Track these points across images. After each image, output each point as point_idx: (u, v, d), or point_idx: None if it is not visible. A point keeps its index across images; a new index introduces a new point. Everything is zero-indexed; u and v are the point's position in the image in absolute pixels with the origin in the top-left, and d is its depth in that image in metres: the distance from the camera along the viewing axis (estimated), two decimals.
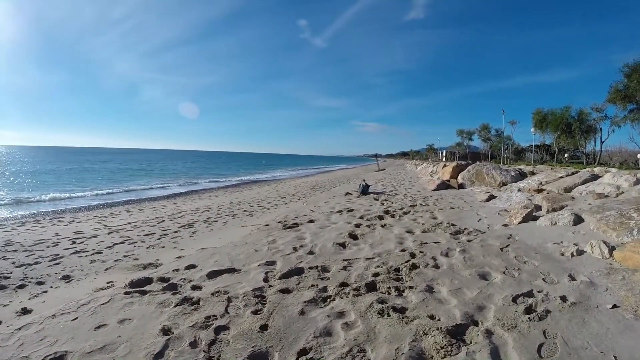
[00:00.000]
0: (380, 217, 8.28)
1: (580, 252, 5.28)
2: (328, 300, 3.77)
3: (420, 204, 10.27)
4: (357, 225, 7.40)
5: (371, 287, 4.05)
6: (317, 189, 20.32)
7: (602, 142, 33.08)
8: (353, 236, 6.54)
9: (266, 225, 8.14)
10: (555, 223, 7.11)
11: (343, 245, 5.98)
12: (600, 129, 32.11)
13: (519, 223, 7.44)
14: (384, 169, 43.10)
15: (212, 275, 4.56)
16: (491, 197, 11.03)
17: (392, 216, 8.43)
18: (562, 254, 5.27)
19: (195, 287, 4.12)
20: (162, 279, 4.42)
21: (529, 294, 3.84)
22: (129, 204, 15.89)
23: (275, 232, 7.19)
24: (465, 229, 6.84)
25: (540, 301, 3.67)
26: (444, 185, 14.82)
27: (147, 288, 4.11)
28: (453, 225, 7.16)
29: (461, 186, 14.96)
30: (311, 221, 8.28)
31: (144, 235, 8.00)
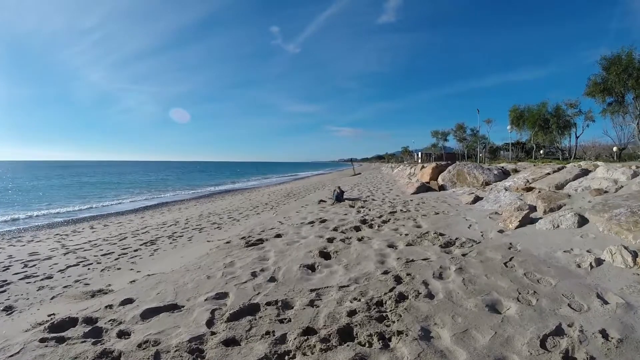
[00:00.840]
0: (357, 229, 7.15)
1: (599, 262, 4.35)
2: (286, 359, 2.63)
3: (401, 210, 9.23)
4: (330, 240, 6.25)
5: (346, 333, 2.90)
6: (291, 196, 19.39)
7: (577, 137, 33.18)
8: (325, 254, 5.39)
9: (227, 242, 7.02)
10: (558, 226, 6.22)
11: (312, 267, 4.84)
12: (575, 124, 32.18)
13: (516, 228, 6.49)
14: (359, 173, 42.32)
15: (148, 314, 3.61)
16: (477, 199, 10.10)
17: (370, 226, 7.33)
18: (579, 266, 4.32)
19: (122, 334, 3.22)
20: (89, 320, 3.56)
21: (559, 331, 2.85)
22: (95, 219, 15.18)
23: (236, 252, 6.08)
24: (456, 239, 5.78)
25: (578, 342, 2.68)
26: (424, 188, 13.88)
27: (67, 333, 3.26)
28: (442, 234, 6.10)
29: (442, 188, 14.06)
30: (278, 236, 7.13)
31: (102, 256, 7.52)
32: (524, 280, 3.95)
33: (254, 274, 4.69)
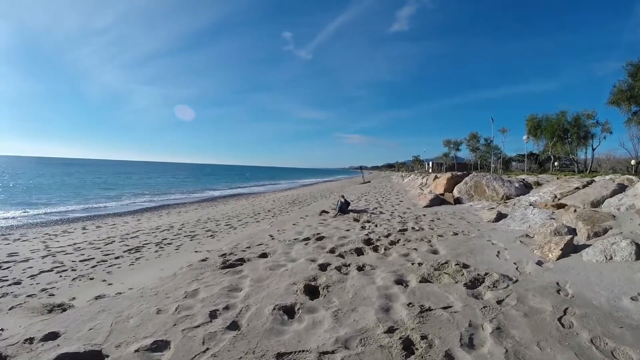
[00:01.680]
0: (359, 251, 5.82)
1: None
2: None
3: (412, 228, 7.88)
4: (323, 267, 4.94)
5: None
6: (295, 204, 18.22)
7: (593, 149, 31.52)
8: (312, 290, 4.11)
9: (204, 260, 5.85)
10: (611, 257, 4.95)
11: (291, 311, 3.58)
12: (594, 135, 30.57)
13: (557, 258, 5.15)
14: (369, 182, 40.98)
15: None
16: (501, 216, 8.73)
17: (375, 249, 5.98)
18: None
19: None
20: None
21: None
22: (90, 219, 14.72)
23: (208, 275, 4.93)
24: (486, 274, 4.42)
25: None
26: (437, 201, 12.50)
27: None
28: (465, 266, 4.74)
29: (458, 201, 12.67)
30: (263, 255, 5.91)
31: (80, 261, 6.99)
32: (594, 352, 2.66)
33: (213, 315, 3.55)
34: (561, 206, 8.92)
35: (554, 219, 7.62)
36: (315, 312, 3.52)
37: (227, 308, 3.70)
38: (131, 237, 9.56)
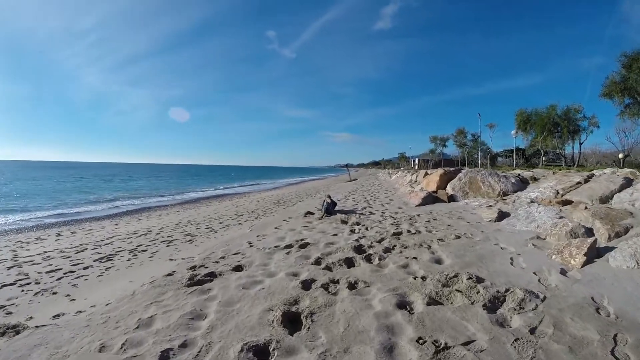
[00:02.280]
0: (349, 262, 4.94)
1: None
2: None
3: (408, 231, 7.05)
4: (307, 285, 4.06)
5: None
6: (280, 204, 17.48)
7: (581, 144, 31.31)
8: (291, 318, 3.25)
9: (169, 275, 4.98)
10: None
11: (263, 351, 2.75)
12: (584, 129, 30.35)
13: (582, 265, 4.39)
14: (355, 179, 40.21)
15: None
16: (502, 215, 8.00)
17: (368, 259, 5.09)
18: None
19: None
20: None
21: None
22: (67, 224, 14.24)
23: (169, 295, 4.09)
24: (507, 290, 3.59)
25: None
26: (430, 199, 11.73)
27: None
28: (479, 279, 3.91)
29: (452, 199, 11.92)
30: (238, 269, 5.04)
31: (46, 273, 6.62)
32: None
33: (165, 356, 2.75)
34: (567, 202, 8.24)
35: (563, 217, 6.91)
36: (296, 353, 2.66)
37: (184, 345, 2.90)
38: (105, 244, 9.09)
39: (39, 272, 6.72)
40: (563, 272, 4.20)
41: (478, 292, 3.54)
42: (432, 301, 3.39)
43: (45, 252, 8.56)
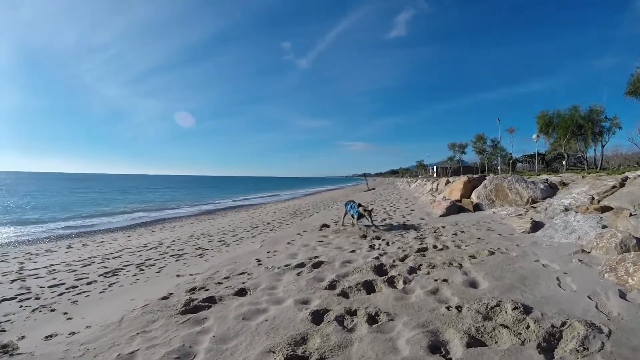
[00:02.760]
0: (369, 287, 4.29)
1: None
2: None
3: (434, 246, 6.37)
4: (318, 317, 3.44)
5: None
6: (297, 214, 17.08)
7: (603, 146, 30.04)
8: None
9: (164, 298, 4.53)
10: None
11: None
12: (608, 130, 29.10)
13: None
14: (373, 189, 39.48)
15: None
16: (537, 225, 7.27)
17: (391, 282, 4.41)
18: None
19: None
20: None
21: None
22: (80, 236, 14.33)
23: (159, 325, 3.60)
24: (563, 323, 2.90)
25: None
26: (455, 208, 11.00)
27: None
28: (526, 309, 3.23)
29: (477, 207, 11.17)
30: (241, 292, 4.49)
31: (48, 287, 6.50)
32: None
33: None
34: (606, 209, 7.47)
35: (606, 226, 6.17)
36: None
37: None
38: (113, 257, 8.94)
39: (41, 287, 6.60)
40: (622, 295, 3.51)
41: (528, 326, 2.89)
42: (473, 341, 2.74)
43: (52, 264, 8.48)
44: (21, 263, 8.82)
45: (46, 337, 3.93)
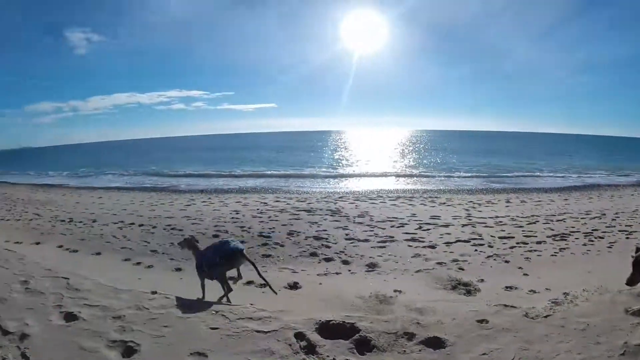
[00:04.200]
0: None
1: None
2: None
3: None
4: None
5: None
6: None
7: None
8: None
9: None
10: None
11: None
12: None
13: None
14: None
15: None
16: None
17: None
18: None
19: None
20: None
21: None
22: (515, 192, 14.57)
23: None
24: None
25: None
26: None
27: None
28: None
29: None
30: None
31: (499, 238, 6.83)
32: None
33: None
34: None
35: None
36: None
37: None
38: (557, 220, 8.55)
39: (491, 235, 6.85)
40: None
41: None
42: None
43: (496, 216, 8.74)
44: (467, 210, 9.44)
45: (506, 287, 4.10)
